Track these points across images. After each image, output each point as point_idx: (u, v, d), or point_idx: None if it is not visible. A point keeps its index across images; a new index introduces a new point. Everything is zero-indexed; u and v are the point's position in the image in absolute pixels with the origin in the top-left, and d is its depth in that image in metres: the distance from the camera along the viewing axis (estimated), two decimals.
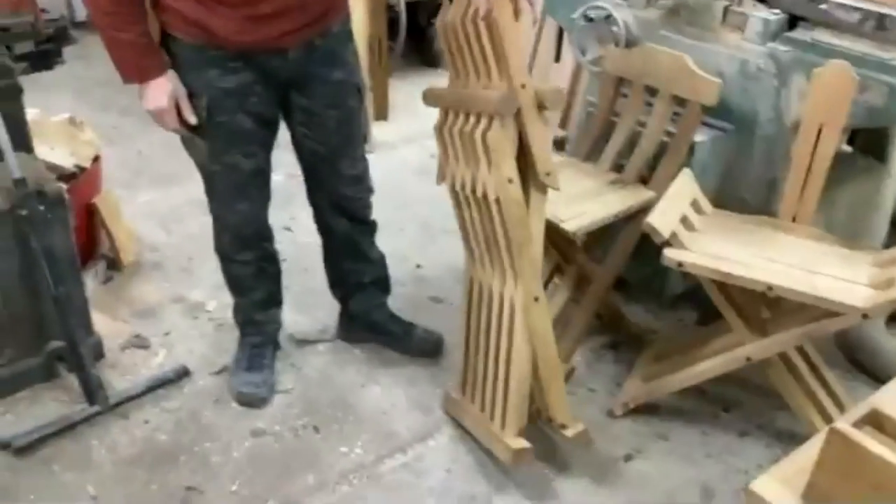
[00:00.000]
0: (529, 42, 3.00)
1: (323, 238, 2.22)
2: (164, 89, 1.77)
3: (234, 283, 2.17)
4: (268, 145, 1.95)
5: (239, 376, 2.17)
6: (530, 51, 3.60)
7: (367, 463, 1.97)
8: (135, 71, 1.78)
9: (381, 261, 2.28)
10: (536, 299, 1.79)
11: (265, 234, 2.11)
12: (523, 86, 1.70)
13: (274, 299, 2.22)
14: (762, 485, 1.03)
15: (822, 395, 1.97)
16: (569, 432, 1.89)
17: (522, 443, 1.84)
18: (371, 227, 2.22)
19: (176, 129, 1.86)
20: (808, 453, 1.04)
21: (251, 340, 2.21)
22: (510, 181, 1.72)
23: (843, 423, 0.97)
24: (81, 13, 4.77)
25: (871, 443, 0.94)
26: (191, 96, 1.82)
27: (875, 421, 1.03)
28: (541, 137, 1.76)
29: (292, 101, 1.92)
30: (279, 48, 1.80)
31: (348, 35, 1.96)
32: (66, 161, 2.41)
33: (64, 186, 2.10)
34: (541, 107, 1.74)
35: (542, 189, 1.80)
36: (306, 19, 1.79)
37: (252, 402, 2.13)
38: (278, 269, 2.19)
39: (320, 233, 2.21)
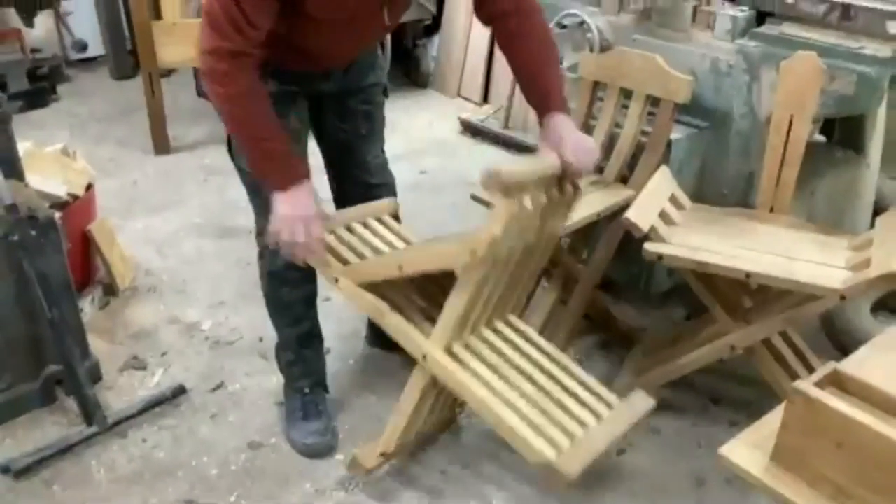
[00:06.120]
0: None
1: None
2: (309, 192, 1.71)
3: (284, 312, 2.06)
4: (306, 147, 1.97)
5: (298, 428, 2.07)
6: None
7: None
8: (287, 177, 1.69)
9: None
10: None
11: None
12: None
13: (318, 332, 2.13)
14: (732, 449, 1.06)
15: None
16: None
17: (360, 454, 1.88)
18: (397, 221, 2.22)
19: (308, 246, 1.72)
20: (776, 418, 1.07)
21: (301, 386, 2.11)
22: None
23: (804, 383, 1.00)
24: (74, 52, 4.88)
25: (832, 399, 0.97)
26: None
27: (836, 381, 1.05)
28: None
29: (325, 105, 1.96)
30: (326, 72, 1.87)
31: (380, 44, 2.06)
32: (59, 189, 2.46)
33: (56, 213, 2.14)
34: None
35: None
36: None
37: (320, 452, 2.04)
38: (316, 295, 2.11)
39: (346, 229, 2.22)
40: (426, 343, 1.72)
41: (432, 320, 1.75)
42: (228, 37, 1.57)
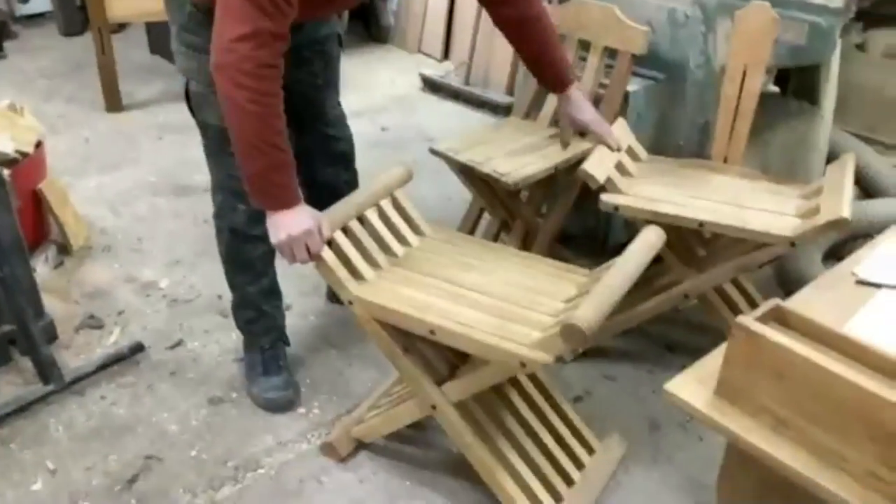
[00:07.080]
0: None
1: (308, 192, 2.16)
2: (308, 211, 1.65)
3: (244, 268, 2.01)
4: None
5: (259, 383, 2.06)
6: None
7: (324, 422, 2.00)
8: (292, 193, 1.63)
9: None
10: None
11: None
12: None
13: (277, 287, 2.11)
14: (676, 385, 1.09)
15: None
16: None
17: (335, 440, 1.89)
18: (353, 175, 2.21)
19: (311, 257, 1.65)
20: (720, 354, 1.09)
21: (261, 342, 2.09)
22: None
23: (746, 318, 1.02)
24: (21, 8, 4.72)
25: (772, 332, 1.00)
26: None
27: (779, 316, 1.08)
28: None
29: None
30: None
31: None
32: (7, 147, 2.38)
33: (5, 171, 2.09)
34: None
35: None
36: None
37: (281, 406, 2.04)
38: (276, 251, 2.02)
39: (305, 186, 2.17)
40: (439, 396, 1.67)
41: (447, 360, 1.71)
42: (270, 15, 1.43)
